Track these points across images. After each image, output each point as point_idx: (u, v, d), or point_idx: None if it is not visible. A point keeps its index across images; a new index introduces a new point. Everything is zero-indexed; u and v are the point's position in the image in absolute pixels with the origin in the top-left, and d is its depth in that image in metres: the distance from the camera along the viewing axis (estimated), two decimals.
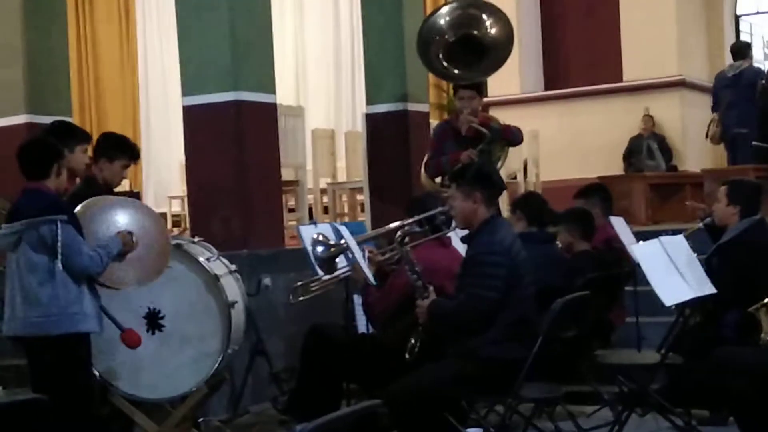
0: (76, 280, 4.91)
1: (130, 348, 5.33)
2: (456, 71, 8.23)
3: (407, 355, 5.24)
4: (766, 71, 11.40)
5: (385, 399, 4.79)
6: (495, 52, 8.18)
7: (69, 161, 5.46)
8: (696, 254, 5.67)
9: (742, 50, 11.42)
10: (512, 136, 7.77)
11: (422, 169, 8.05)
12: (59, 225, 4.82)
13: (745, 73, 11.10)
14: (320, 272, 5.84)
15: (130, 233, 5.10)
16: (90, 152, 5.98)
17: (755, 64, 11.96)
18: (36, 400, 3.55)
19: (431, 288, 5.21)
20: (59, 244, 4.81)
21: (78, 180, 5.93)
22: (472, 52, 8.14)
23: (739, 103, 11.04)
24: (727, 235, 5.96)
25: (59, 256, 4.82)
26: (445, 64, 8.22)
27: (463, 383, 5.03)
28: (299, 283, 6.06)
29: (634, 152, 12.57)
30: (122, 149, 5.97)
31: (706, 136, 11.60)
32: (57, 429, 3.76)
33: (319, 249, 5.56)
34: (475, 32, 8.15)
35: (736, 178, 6.89)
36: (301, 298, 6.02)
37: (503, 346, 5.01)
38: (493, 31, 8.16)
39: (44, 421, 3.48)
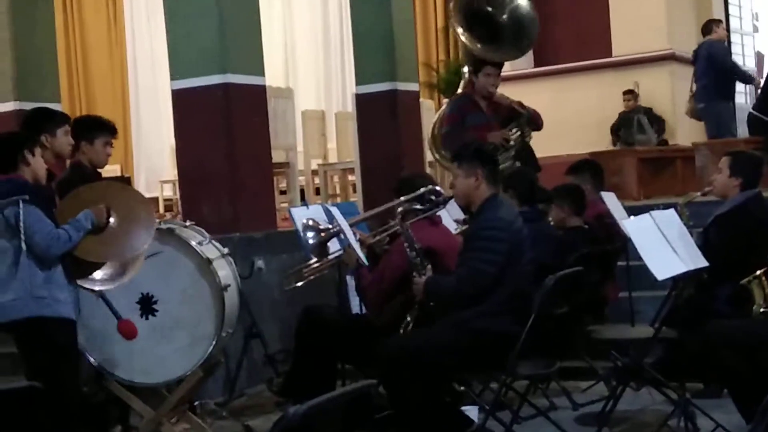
0: (43, 264, 4.84)
1: (127, 339, 5.32)
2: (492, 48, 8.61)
3: (401, 332, 5.24)
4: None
5: (377, 358, 4.81)
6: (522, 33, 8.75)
7: (53, 145, 5.46)
8: (691, 224, 5.70)
9: (707, 26, 11.36)
10: (539, 121, 8.13)
11: (431, 141, 8.08)
12: (21, 205, 4.75)
13: (700, 49, 11.09)
14: (312, 258, 5.84)
15: (107, 207, 5.02)
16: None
17: (746, 37, 11.90)
18: (29, 387, 3.52)
19: (428, 265, 5.22)
20: (21, 224, 4.74)
21: (68, 163, 5.92)
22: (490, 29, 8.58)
23: (699, 78, 11.05)
24: (725, 206, 5.95)
25: (22, 237, 4.76)
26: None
27: (455, 352, 5.05)
28: (292, 270, 6.05)
29: (623, 126, 12.54)
30: (98, 127, 5.93)
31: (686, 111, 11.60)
32: (44, 417, 3.74)
33: (310, 235, 5.55)
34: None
35: (739, 150, 6.79)
36: (297, 284, 6.00)
37: (497, 319, 5.02)
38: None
39: (34, 408, 3.46)
